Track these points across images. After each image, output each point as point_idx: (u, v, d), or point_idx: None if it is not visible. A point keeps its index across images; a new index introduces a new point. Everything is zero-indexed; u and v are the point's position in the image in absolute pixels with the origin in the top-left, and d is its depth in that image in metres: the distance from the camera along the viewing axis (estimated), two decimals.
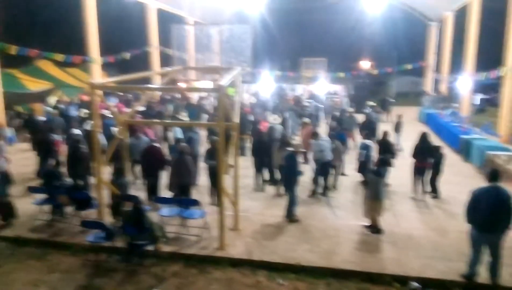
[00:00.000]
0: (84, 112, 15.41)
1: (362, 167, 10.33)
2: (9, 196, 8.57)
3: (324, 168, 9.67)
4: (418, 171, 9.70)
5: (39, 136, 10.98)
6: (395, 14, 30.90)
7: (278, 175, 10.06)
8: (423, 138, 9.95)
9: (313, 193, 9.79)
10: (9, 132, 11.99)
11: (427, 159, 9.66)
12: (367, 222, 7.94)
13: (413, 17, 29.00)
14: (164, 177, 9.43)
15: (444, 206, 9.18)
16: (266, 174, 10.58)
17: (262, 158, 10.31)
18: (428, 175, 9.75)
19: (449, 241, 7.43)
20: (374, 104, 18.31)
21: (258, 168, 10.42)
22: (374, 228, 7.80)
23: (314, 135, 10.31)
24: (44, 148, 10.70)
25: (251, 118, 14.76)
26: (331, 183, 10.24)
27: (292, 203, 8.33)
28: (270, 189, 10.21)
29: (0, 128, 11.66)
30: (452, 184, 10.77)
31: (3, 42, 13.57)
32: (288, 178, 8.33)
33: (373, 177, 7.82)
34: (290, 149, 8.56)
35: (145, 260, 6.85)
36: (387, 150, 10.17)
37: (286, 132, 12.57)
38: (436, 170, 9.74)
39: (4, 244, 7.58)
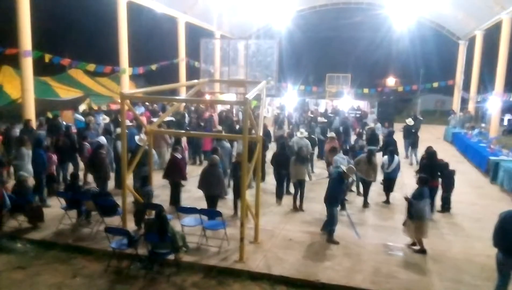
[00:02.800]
0: (104, 118, 15.82)
1: (388, 186, 10.23)
2: (41, 201, 8.85)
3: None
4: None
5: (61, 141, 11.28)
6: (423, 32, 30.71)
7: (293, 189, 10.04)
8: (430, 156, 9.75)
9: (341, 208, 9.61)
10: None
11: (435, 178, 9.47)
12: (411, 242, 7.86)
13: (441, 35, 28.68)
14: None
15: (470, 229, 8.94)
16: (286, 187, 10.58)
17: (282, 171, 10.32)
18: (437, 194, 9.62)
19: (475, 264, 7.21)
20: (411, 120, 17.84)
21: (279, 181, 10.42)
22: (418, 248, 7.68)
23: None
24: (64, 153, 11.02)
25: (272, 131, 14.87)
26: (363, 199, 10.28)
27: (331, 223, 8.07)
28: (291, 203, 10.15)
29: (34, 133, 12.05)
30: (478, 206, 10.53)
31: (38, 51, 14.10)
32: (332, 197, 8.17)
33: (418, 203, 7.57)
34: (340, 169, 8.40)
35: (166, 269, 6.91)
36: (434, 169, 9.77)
37: (310, 147, 12.49)
38: (447, 187, 9.71)
39: (31, 246, 7.79)
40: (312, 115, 21.87)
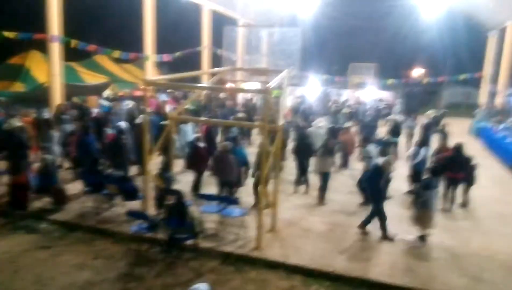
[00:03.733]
0: (127, 103, 16.03)
1: (416, 176, 10.08)
2: (62, 183, 9.09)
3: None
4: (451, 183, 9.50)
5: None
6: (452, 22, 29.70)
7: (317, 180, 9.92)
8: (458, 149, 9.66)
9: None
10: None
11: (460, 171, 9.46)
12: (416, 233, 7.82)
13: (470, 25, 27.77)
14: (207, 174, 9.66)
15: (492, 225, 8.74)
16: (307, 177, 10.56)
17: (303, 161, 10.29)
18: (459, 187, 9.60)
19: (496, 262, 7.08)
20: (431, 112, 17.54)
21: (300, 171, 10.40)
22: (422, 238, 7.72)
23: (364, 141, 10.13)
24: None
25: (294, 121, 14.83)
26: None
27: (383, 219, 7.86)
28: (312, 193, 10.13)
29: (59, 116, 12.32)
30: (502, 202, 10.29)
31: (65, 36, 14.37)
32: (374, 192, 7.99)
33: (426, 193, 7.61)
34: (379, 163, 8.19)
35: (184, 254, 7.05)
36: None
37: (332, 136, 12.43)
38: (470, 181, 9.63)
39: (55, 227, 8.06)
40: (335, 105, 21.65)
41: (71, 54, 18.75)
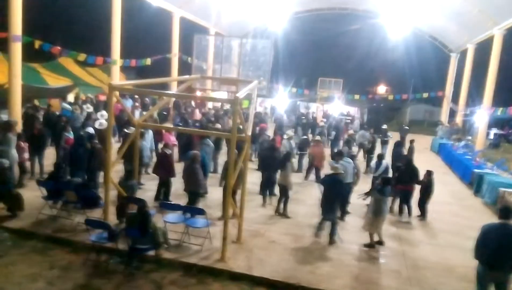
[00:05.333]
0: (88, 106, 15.65)
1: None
2: (19, 188, 8.65)
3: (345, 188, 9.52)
4: (401, 194, 9.96)
5: (36, 130, 11.07)
6: (417, 42, 31.04)
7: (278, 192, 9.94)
8: (408, 163, 10.13)
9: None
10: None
11: (409, 183, 9.85)
12: (369, 240, 8.15)
13: (434, 46, 29.03)
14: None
15: (451, 239, 9.01)
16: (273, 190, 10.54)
17: (270, 173, 10.27)
18: (412, 199, 10.03)
19: (455, 275, 7.27)
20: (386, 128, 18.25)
21: (266, 184, 10.36)
22: (373, 244, 8.09)
23: (338, 155, 10.28)
24: (37, 143, 10.78)
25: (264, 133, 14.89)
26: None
27: (335, 227, 8.18)
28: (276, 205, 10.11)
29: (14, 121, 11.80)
30: (460, 217, 10.66)
31: (28, 36, 13.84)
32: (332, 201, 8.16)
33: (378, 195, 8.03)
34: (334, 172, 8.40)
35: (145, 265, 6.83)
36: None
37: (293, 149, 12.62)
38: (426, 193, 10.03)
39: (8, 235, 7.62)
40: (304, 118, 22.01)
41: (34, 56, 18.10)
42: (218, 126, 15.03)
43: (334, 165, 8.66)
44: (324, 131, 18.15)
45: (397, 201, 10.24)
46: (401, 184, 9.89)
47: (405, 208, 10.02)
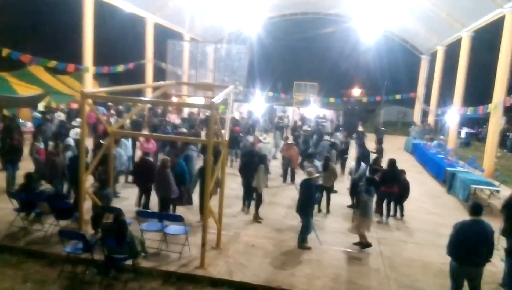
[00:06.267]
0: (59, 114, 15.36)
1: (354, 190, 10.41)
2: None
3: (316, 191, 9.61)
4: (386, 196, 10.01)
5: (16, 141, 10.79)
6: (389, 45, 31.76)
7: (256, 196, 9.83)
8: (392, 165, 10.18)
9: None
10: None
11: (394, 185, 9.98)
12: (356, 239, 8.26)
13: (405, 49, 29.77)
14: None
15: (426, 237, 9.21)
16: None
17: (249, 178, 10.24)
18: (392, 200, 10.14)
19: (431, 272, 7.42)
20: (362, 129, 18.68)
21: (246, 188, 10.30)
22: (362, 244, 8.16)
23: (309, 157, 10.35)
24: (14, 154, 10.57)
25: (241, 137, 14.91)
26: (323, 207, 10.36)
27: (306, 230, 8.14)
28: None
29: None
30: (434, 214, 10.90)
31: None
32: (304, 204, 8.17)
33: (365, 196, 8.14)
34: (308, 176, 8.35)
35: (123, 275, 6.69)
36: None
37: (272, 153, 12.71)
38: (405, 194, 10.22)
39: None
40: (280, 121, 22.18)
41: (2, 64, 17.62)
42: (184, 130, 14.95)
43: (309, 170, 8.63)
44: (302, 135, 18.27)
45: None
46: (385, 186, 9.85)
47: (385, 209, 10.09)
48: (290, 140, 14.54)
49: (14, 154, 10.48)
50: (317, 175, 8.74)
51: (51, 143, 11.66)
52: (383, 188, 9.83)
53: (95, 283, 6.49)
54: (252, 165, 10.20)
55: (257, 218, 9.49)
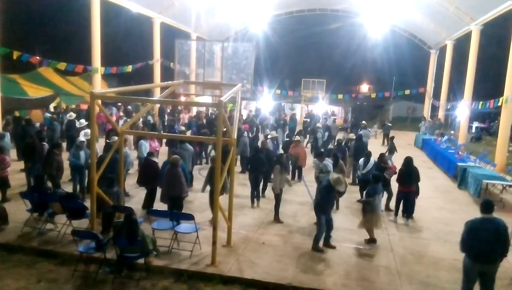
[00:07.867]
0: (70, 115, 15.48)
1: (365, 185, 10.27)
2: (3, 202, 8.48)
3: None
4: (403, 196, 9.61)
5: (27, 143, 10.91)
6: (397, 40, 31.51)
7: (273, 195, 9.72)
8: (408, 163, 9.80)
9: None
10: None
11: (412, 184, 9.62)
12: (367, 236, 8.31)
13: (413, 43, 29.50)
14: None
15: (438, 233, 9.14)
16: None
17: (258, 175, 10.28)
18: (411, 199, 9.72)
19: (443, 268, 7.37)
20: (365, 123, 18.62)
21: (254, 185, 10.36)
22: (371, 240, 8.24)
23: (319, 155, 10.31)
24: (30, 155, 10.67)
25: (249, 134, 14.93)
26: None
27: (320, 232, 7.89)
28: (265, 206, 10.13)
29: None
30: (446, 210, 10.81)
31: (5, 48, 13.62)
32: (322, 206, 7.96)
33: (371, 193, 8.18)
34: (333, 184, 7.83)
35: (135, 273, 6.75)
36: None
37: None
38: (416, 193, 9.90)
39: None
40: (286, 118, 22.17)
41: (13, 67, 17.83)
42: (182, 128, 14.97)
43: (337, 177, 7.94)
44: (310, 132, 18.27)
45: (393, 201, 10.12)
46: (402, 186, 9.56)
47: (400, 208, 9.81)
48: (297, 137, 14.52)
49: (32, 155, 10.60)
50: (342, 185, 8.01)
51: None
52: (401, 188, 9.58)
53: (108, 281, 6.55)
54: (260, 161, 10.24)
55: (277, 219, 9.35)
